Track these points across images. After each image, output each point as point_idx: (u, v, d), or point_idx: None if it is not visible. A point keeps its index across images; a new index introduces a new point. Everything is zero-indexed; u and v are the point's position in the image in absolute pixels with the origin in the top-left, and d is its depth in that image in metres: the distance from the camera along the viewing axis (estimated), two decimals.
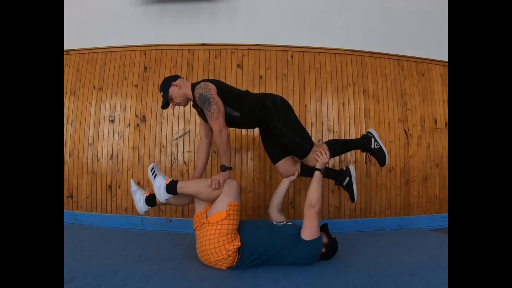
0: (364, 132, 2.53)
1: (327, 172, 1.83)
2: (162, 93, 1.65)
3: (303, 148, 1.68)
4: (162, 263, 1.47)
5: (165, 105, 1.66)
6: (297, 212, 2.37)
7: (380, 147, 1.78)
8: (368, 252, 1.74)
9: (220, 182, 1.49)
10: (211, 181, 1.48)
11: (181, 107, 2.41)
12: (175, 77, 1.67)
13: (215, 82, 1.62)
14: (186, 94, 1.63)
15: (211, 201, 1.54)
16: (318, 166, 1.65)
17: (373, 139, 1.79)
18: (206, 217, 1.47)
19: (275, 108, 1.64)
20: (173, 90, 1.63)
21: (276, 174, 2.38)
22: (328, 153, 1.67)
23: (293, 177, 1.79)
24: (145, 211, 1.66)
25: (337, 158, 2.43)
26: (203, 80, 1.62)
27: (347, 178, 1.80)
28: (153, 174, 1.62)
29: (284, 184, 1.80)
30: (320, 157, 1.65)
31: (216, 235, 1.39)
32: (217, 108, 1.51)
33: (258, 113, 1.65)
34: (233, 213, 1.43)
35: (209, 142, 1.83)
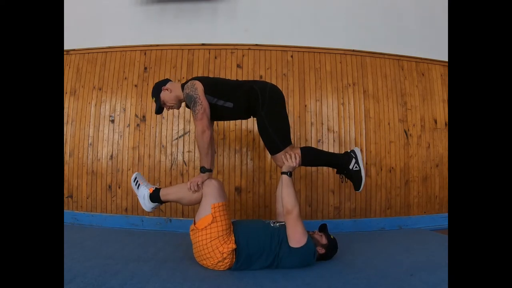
0: (362, 133, 2.56)
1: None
2: (154, 99, 1.65)
3: (275, 145, 1.58)
4: (162, 263, 1.47)
5: (158, 110, 1.66)
6: None
7: (360, 170, 1.61)
8: (368, 252, 1.74)
9: (199, 184, 1.47)
10: (190, 184, 1.47)
11: (180, 108, 2.42)
12: (165, 81, 1.66)
13: (203, 79, 1.60)
14: (178, 96, 1.63)
15: (194, 204, 1.53)
16: (284, 168, 1.54)
17: (353, 160, 1.63)
18: (195, 223, 1.45)
19: (262, 94, 1.57)
20: (165, 95, 1.62)
21: (276, 174, 2.38)
22: (298, 159, 1.55)
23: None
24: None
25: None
26: (191, 79, 1.61)
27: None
28: (136, 184, 1.63)
29: None
30: (288, 160, 1.53)
31: (207, 240, 1.37)
32: (202, 108, 1.50)
33: (247, 101, 1.59)
34: (219, 215, 1.40)
35: (212, 136, 1.81)
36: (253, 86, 1.61)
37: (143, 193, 1.58)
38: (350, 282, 1.27)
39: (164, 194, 1.56)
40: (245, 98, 1.59)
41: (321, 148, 2.35)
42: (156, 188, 1.59)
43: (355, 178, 1.63)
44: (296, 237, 1.39)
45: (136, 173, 1.67)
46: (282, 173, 1.53)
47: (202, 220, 1.41)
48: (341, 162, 1.65)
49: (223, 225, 1.39)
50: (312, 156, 1.66)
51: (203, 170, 1.52)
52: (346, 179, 1.70)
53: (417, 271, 1.39)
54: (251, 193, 2.38)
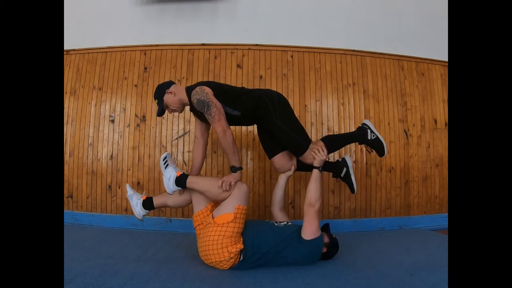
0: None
1: (323, 165, 1.82)
2: (156, 101, 1.63)
3: (300, 144, 1.64)
4: (162, 263, 1.47)
5: (161, 113, 1.64)
6: (297, 212, 2.37)
7: (377, 137, 1.75)
8: (368, 252, 1.74)
9: (232, 184, 1.47)
10: (222, 183, 1.46)
11: None
12: (169, 84, 1.64)
13: (210, 84, 1.60)
14: (182, 100, 1.62)
15: (216, 201, 1.53)
16: (316, 164, 1.62)
17: (369, 130, 1.76)
18: (213, 217, 1.45)
19: (272, 103, 1.61)
20: (168, 98, 1.61)
21: (276, 174, 2.38)
22: (325, 150, 1.63)
23: (290, 172, 1.78)
24: (143, 215, 1.66)
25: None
26: (197, 84, 1.60)
27: (344, 169, 1.78)
28: (165, 164, 1.61)
29: (282, 180, 1.78)
30: (317, 155, 1.62)
31: (220, 237, 1.38)
32: (217, 110, 1.50)
33: (255, 110, 1.62)
34: (240, 217, 1.42)
35: (205, 142, 1.80)
36: (261, 95, 1.63)
37: (170, 174, 1.56)
38: (350, 282, 1.28)
39: (191, 181, 1.54)
40: (253, 106, 1.61)
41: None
42: (183, 173, 1.57)
43: (376, 146, 1.75)
44: (312, 229, 1.44)
45: (167, 153, 1.66)
46: (314, 167, 1.60)
47: (223, 216, 1.42)
48: (359, 136, 1.77)
49: (238, 228, 1.41)
50: (334, 143, 1.77)
51: (234, 169, 1.52)
52: (371, 149, 1.81)
53: (417, 271, 1.39)
54: (251, 193, 2.38)
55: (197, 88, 1.55)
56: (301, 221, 1.52)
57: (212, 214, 1.48)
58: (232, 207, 1.43)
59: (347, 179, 1.79)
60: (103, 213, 2.38)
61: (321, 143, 1.67)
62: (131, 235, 2.07)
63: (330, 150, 1.70)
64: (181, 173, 1.56)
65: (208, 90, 1.53)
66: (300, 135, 1.65)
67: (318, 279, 1.31)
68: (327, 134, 2.45)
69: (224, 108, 1.56)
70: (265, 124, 1.67)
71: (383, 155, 1.76)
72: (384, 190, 2.49)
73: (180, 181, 1.54)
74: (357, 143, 1.84)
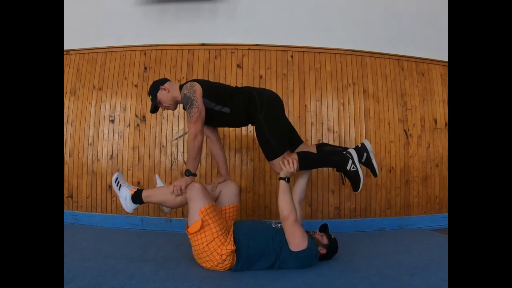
0: (362, 133, 2.56)
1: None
2: (150, 97, 1.63)
3: (273, 149, 1.56)
4: (162, 263, 1.47)
5: (154, 109, 1.64)
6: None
7: (357, 170, 1.62)
8: (368, 252, 1.74)
9: (182, 188, 1.46)
10: (173, 188, 1.46)
11: (180, 108, 2.42)
12: (163, 81, 1.65)
13: (203, 82, 1.59)
14: (175, 97, 1.62)
15: (181, 206, 1.54)
16: (282, 174, 1.52)
17: (350, 160, 1.63)
18: (187, 228, 1.43)
19: (260, 100, 1.56)
20: (162, 94, 1.61)
21: (276, 174, 2.37)
22: (296, 164, 1.54)
23: (306, 176, 1.74)
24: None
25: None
26: (191, 80, 1.60)
27: (365, 154, 1.69)
28: (117, 185, 1.62)
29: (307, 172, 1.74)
30: (286, 166, 1.53)
31: (203, 244, 1.37)
32: (198, 111, 1.48)
33: (246, 107, 1.57)
34: (209, 217, 1.39)
35: (218, 137, 1.81)
36: (252, 92, 1.60)
37: (125, 194, 1.57)
38: (350, 282, 1.28)
39: (146, 196, 1.56)
40: (243, 104, 1.58)
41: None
42: (138, 189, 1.58)
43: (353, 178, 1.63)
44: (295, 242, 1.39)
45: (117, 173, 1.66)
46: (280, 178, 1.52)
47: (193, 225, 1.40)
48: (338, 162, 1.66)
49: (216, 226, 1.39)
50: (309, 161, 1.65)
51: (187, 173, 1.49)
52: (345, 179, 1.71)
53: (417, 271, 1.40)
54: (251, 193, 2.38)
55: (188, 84, 1.55)
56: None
57: (187, 224, 1.46)
58: (196, 214, 1.40)
59: (368, 164, 1.70)
60: (103, 213, 2.38)
61: (295, 156, 1.58)
62: (131, 235, 2.07)
63: (301, 167, 1.60)
64: (135, 190, 1.57)
65: (197, 88, 1.52)
66: (277, 139, 1.56)
67: (318, 279, 1.31)
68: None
69: (214, 107, 1.55)
70: (254, 122, 1.62)
71: (357, 190, 1.63)
72: (384, 190, 2.49)
73: (137, 198, 1.56)
74: (335, 169, 1.72)
